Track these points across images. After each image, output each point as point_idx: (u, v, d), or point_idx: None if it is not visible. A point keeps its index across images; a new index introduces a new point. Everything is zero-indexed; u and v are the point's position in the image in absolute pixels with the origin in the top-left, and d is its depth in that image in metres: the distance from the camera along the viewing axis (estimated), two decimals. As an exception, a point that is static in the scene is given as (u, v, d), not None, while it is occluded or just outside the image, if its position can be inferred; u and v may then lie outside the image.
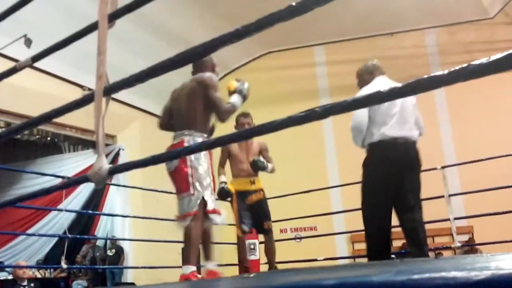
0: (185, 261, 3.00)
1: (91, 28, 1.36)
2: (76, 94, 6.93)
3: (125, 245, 8.62)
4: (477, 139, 8.35)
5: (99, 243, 9.16)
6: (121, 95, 8.18)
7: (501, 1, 9.16)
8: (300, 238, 7.33)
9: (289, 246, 7.29)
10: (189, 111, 3.14)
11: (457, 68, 0.73)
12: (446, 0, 8.72)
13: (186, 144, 2.94)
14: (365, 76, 3.50)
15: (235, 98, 3.28)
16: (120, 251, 8.53)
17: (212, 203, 3.07)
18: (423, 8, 8.92)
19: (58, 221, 8.85)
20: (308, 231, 8.79)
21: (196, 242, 3.04)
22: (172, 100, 3.33)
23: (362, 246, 9.04)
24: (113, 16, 1.33)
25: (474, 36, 9.28)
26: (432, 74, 0.78)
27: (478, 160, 5.13)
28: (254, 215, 4.21)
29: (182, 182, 3.06)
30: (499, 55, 0.67)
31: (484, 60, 0.69)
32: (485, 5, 8.98)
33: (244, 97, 3.33)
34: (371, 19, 9.15)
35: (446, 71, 0.76)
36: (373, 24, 9.33)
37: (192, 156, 2.94)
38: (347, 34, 9.68)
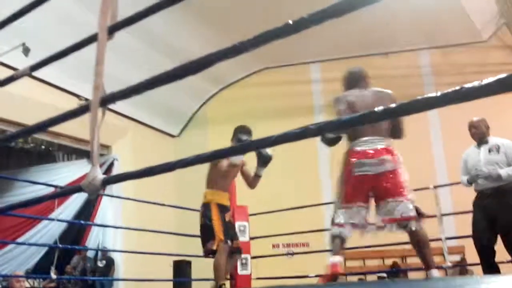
0: (430, 265, 3.05)
1: (90, 39, 1.38)
2: (73, 103, 6.93)
3: (116, 256, 8.54)
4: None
5: (90, 254, 9.07)
6: (117, 105, 8.19)
7: (494, 25, 9.35)
8: (292, 254, 7.30)
9: (281, 261, 7.25)
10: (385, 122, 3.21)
11: (450, 90, 0.75)
12: (441, 22, 8.87)
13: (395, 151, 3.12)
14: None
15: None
16: (110, 263, 8.44)
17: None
18: (418, 30, 9.08)
19: (49, 231, 8.77)
20: (300, 247, 8.75)
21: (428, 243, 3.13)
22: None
23: (353, 263, 9.03)
24: (113, 29, 1.34)
25: (467, 58, 9.44)
26: (426, 96, 0.79)
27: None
28: (229, 232, 4.15)
29: (398, 186, 3.05)
30: (490, 79, 0.68)
31: (476, 83, 0.70)
32: (479, 28, 9.15)
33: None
34: (367, 39, 9.28)
35: (439, 93, 0.77)
36: (368, 43, 9.46)
37: (398, 153, 3.10)
38: (343, 52, 9.80)
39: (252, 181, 4.22)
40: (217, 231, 3.94)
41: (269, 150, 4.04)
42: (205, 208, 4.09)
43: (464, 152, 4.23)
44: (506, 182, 3.84)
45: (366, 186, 3.07)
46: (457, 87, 0.72)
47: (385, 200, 3.03)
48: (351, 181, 3.09)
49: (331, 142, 3.41)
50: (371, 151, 3.07)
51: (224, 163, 4.12)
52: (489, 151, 3.98)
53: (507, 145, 3.97)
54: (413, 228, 2.99)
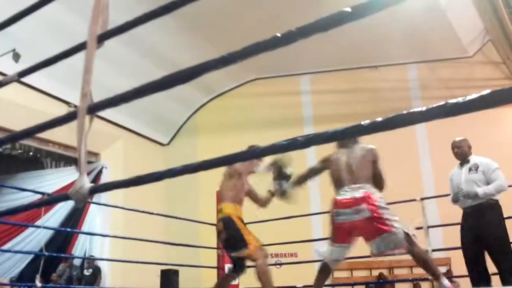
0: (437, 275, 3.33)
1: (80, 47, 1.38)
2: (62, 110, 6.90)
3: (103, 265, 8.45)
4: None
5: (77, 262, 8.97)
6: (107, 113, 8.18)
7: (479, 42, 9.59)
8: (281, 264, 7.27)
9: (269, 272, 7.21)
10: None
11: (434, 106, 0.76)
12: (428, 37, 9.07)
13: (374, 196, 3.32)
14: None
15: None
16: (97, 271, 8.35)
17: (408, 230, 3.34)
18: (407, 44, 9.26)
19: (35, 238, 8.66)
20: (288, 257, 8.73)
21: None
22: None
23: (341, 274, 9.02)
24: (103, 37, 1.34)
25: (453, 73, 9.64)
26: (411, 110, 0.80)
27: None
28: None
29: (382, 224, 3.24)
30: (473, 95, 0.69)
31: (460, 99, 0.72)
32: (465, 45, 9.40)
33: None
34: (357, 52, 9.43)
35: (424, 108, 0.78)
36: (358, 57, 9.61)
37: (377, 196, 3.30)
38: (332, 65, 9.93)
39: (263, 200, 4.22)
40: (248, 238, 3.82)
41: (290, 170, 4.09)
42: (227, 221, 3.92)
43: (451, 171, 4.38)
44: (484, 200, 3.97)
45: (347, 231, 3.39)
46: (441, 103, 0.74)
47: (373, 239, 3.28)
48: (334, 226, 3.48)
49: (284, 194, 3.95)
50: (349, 201, 3.35)
51: (245, 176, 4.07)
52: (469, 170, 4.14)
53: (486, 164, 4.13)
54: (410, 251, 3.30)
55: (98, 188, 1.47)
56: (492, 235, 3.92)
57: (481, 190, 3.95)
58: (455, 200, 4.17)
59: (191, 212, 8.04)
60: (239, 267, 4.08)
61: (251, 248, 3.76)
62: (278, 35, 0.98)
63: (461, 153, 4.23)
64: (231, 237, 3.88)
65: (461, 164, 4.24)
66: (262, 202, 4.22)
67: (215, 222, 5.78)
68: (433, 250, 4.86)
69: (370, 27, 8.17)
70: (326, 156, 3.72)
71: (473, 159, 4.21)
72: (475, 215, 4.01)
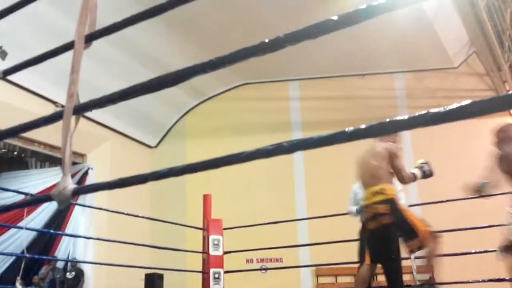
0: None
1: (67, 47, 1.37)
2: (49, 109, 6.83)
3: (86, 268, 8.36)
4: (440, 182, 8.61)
5: (60, 264, 8.86)
6: (94, 114, 8.12)
7: (464, 53, 9.85)
8: (266, 269, 7.28)
9: (254, 276, 7.22)
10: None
11: (417, 114, 0.77)
12: (415, 48, 9.25)
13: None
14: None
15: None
16: (80, 274, 8.26)
17: None
18: (394, 54, 9.43)
19: (17, 239, 8.53)
20: (274, 262, 8.74)
21: None
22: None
23: (326, 280, 9.05)
24: (90, 37, 1.34)
25: (439, 83, 9.85)
26: (394, 118, 0.81)
27: (440, 202, 5.28)
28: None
29: None
30: (454, 105, 0.71)
31: (441, 109, 0.73)
32: (451, 55, 9.62)
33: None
34: (344, 60, 9.55)
35: (407, 116, 0.80)
36: (346, 65, 9.75)
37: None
38: (321, 72, 10.03)
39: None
40: (416, 223, 3.59)
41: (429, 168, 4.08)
42: (392, 204, 3.64)
43: (356, 184, 4.59)
44: None
45: None
46: (423, 112, 0.75)
47: None
48: None
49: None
50: None
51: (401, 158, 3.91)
52: None
53: None
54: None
55: (82, 189, 1.46)
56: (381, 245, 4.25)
57: None
58: (358, 212, 4.43)
59: (178, 216, 8.00)
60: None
61: (422, 235, 3.56)
62: (266, 41, 0.99)
63: None
64: (398, 223, 3.61)
65: None
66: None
67: (201, 226, 5.77)
68: (416, 258, 4.90)
69: (359, 36, 8.29)
70: None
71: None
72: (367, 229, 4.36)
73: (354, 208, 4.62)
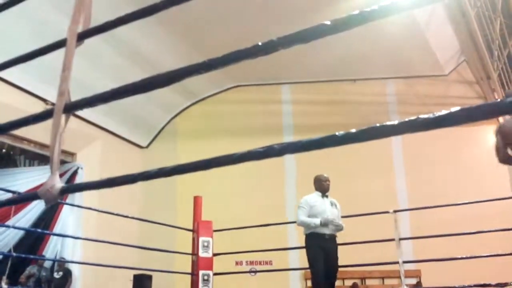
0: None
1: (59, 44, 1.36)
2: (39, 107, 6.78)
3: (74, 268, 8.28)
4: (429, 188, 8.69)
5: (47, 264, 8.77)
6: (85, 112, 8.07)
7: (455, 61, 9.99)
8: (255, 271, 7.27)
9: (244, 279, 7.20)
10: None
11: (406, 120, 0.78)
12: (407, 54, 9.37)
13: None
14: None
15: None
16: (68, 274, 8.18)
17: None
18: (385, 60, 9.53)
19: (4, 238, 8.43)
20: (263, 265, 8.73)
21: None
22: None
23: (315, 284, 9.06)
24: (83, 35, 1.33)
25: (429, 89, 9.98)
26: (385, 123, 0.82)
27: (429, 207, 5.32)
28: None
29: None
30: (443, 112, 0.71)
31: (431, 115, 0.74)
32: (441, 63, 9.76)
33: None
34: (337, 65, 9.64)
35: (397, 122, 0.80)
36: (338, 70, 9.84)
37: None
38: (313, 76, 10.09)
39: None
40: None
41: None
42: None
43: (309, 196, 4.76)
44: (335, 232, 4.68)
45: None
46: (413, 118, 0.76)
47: None
48: None
49: None
50: None
51: None
52: (331, 204, 4.75)
53: (338, 204, 4.83)
54: None
55: (70, 188, 1.45)
56: (337, 258, 4.65)
57: (342, 223, 4.67)
58: (323, 225, 4.57)
59: (169, 217, 7.97)
60: None
61: None
62: (259, 43, 0.99)
63: (328, 186, 4.77)
64: None
65: (323, 196, 4.75)
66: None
67: (191, 227, 5.76)
68: (404, 262, 4.93)
69: (352, 42, 8.34)
70: None
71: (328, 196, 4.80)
72: (331, 242, 4.65)
73: (318, 220, 4.59)
